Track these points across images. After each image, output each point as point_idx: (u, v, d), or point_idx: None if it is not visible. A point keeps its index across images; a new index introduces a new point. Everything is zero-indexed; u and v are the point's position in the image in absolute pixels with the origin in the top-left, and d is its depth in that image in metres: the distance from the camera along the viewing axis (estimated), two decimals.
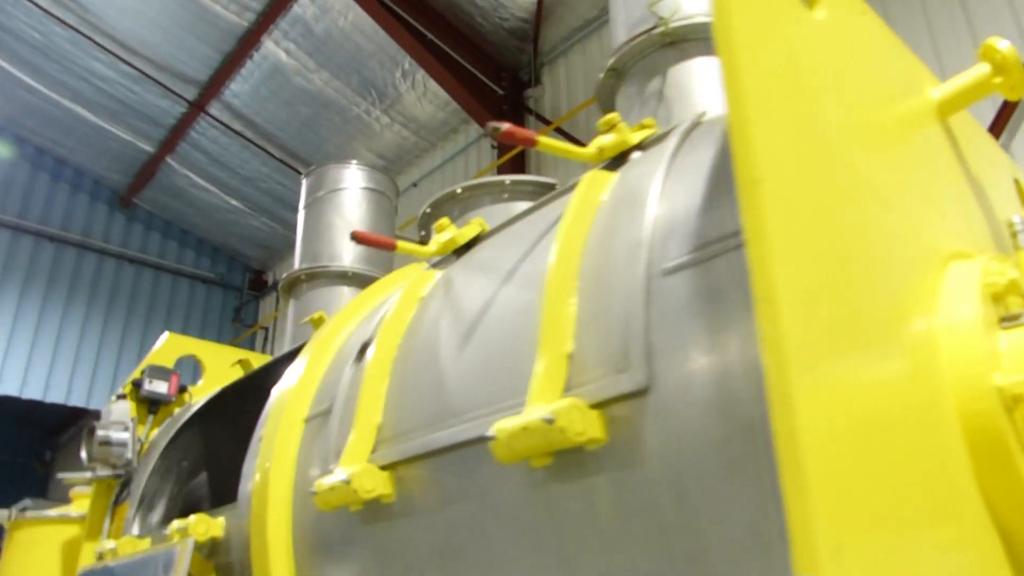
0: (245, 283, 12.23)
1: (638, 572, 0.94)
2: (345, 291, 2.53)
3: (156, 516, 2.21)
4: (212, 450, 2.45)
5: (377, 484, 1.25)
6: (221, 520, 1.69)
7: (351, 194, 2.63)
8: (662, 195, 1.10)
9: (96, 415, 2.32)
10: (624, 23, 1.66)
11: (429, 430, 1.23)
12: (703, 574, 0.89)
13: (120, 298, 10.84)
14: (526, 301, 1.20)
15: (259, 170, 9.76)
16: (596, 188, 1.23)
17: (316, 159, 8.09)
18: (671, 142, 1.20)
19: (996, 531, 0.87)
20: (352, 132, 8.60)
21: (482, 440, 1.07)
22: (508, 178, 2.04)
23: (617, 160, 1.32)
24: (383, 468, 1.26)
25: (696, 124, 1.26)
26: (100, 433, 2.26)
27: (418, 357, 1.35)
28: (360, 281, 2.54)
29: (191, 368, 2.86)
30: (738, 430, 0.87)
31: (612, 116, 1.32)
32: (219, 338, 11.84)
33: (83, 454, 2.32)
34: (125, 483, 2.32)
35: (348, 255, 2.56)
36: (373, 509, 1.29)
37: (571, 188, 1.43)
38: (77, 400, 10.08)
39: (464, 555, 1.13)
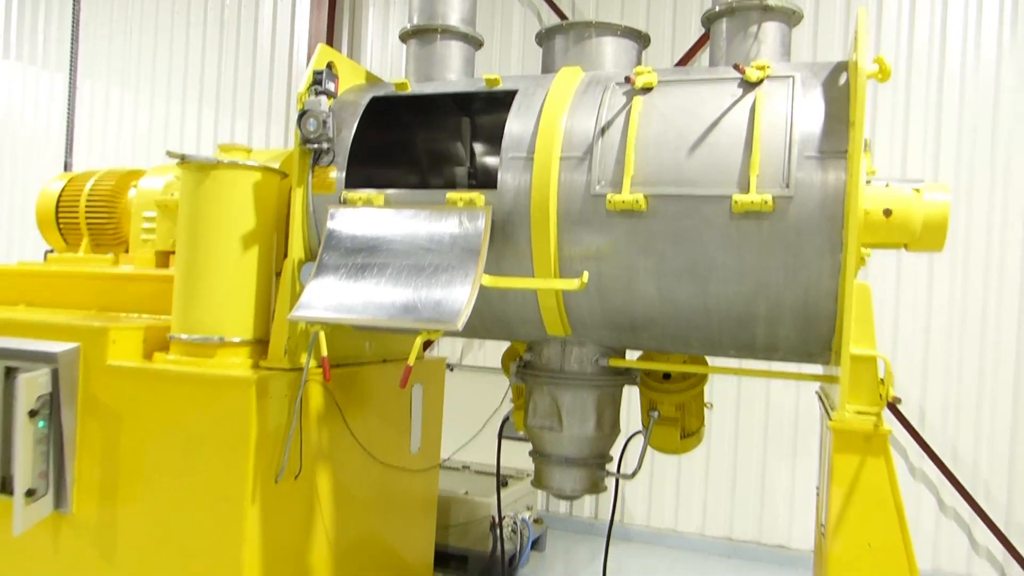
0: None
1: (776, 256, 2.81)
2: (454, 45, 3.70)
3: (358, 180, 3.42)
4: (382, 137, 3.61)
5: (641, 201, 2.89)
6: (483, 197, 3.11)
7: None
8: (798, 114, 2.83)
9: None
10: None
11: (673, 185, 2.89)
12: (798, 260, 2.79)
13: None
14: (728, 139, 2.87)
15: None
16: (760, 96, 2.89)
17: None
18: (794, 85, 2.89)
19: None
20: None
21: (722, 199, 2.80)
22: (621, 25, 3.47)
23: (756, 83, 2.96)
24: (644, 196, 2.90)
25: (796, 76, 2.95)
26: (320, 119, 3.31)
27: (658, 146, 2.94)
28: (472, 41, 3.73)
29: None
30: (828, 215, 2.74)
31: (766, 63, 2.94)
32: None
33: (300, 131, 3.35)
34: (316, 152, 3.43)
35: (454, 18, 3.70)
36: (627, 213, 2.94)
37: (721, 78, 3.04)
38: None
39: (689, 237, 2.88)
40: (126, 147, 9.12)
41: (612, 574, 5.86)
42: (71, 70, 9.42)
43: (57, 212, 4.83)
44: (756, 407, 6.49)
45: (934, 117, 6.08)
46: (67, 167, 9.42)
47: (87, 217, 4.72)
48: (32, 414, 3.31)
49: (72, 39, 9.41)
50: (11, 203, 9.81)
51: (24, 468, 3.32)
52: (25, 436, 3.30)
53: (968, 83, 6.02)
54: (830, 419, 2.75)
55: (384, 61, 7.99)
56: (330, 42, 7.82)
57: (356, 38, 8.23)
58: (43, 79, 9.68)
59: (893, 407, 6.02)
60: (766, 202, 2.75)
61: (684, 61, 6.63)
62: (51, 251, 5.32)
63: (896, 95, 6.16)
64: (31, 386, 3.30)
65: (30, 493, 3.35)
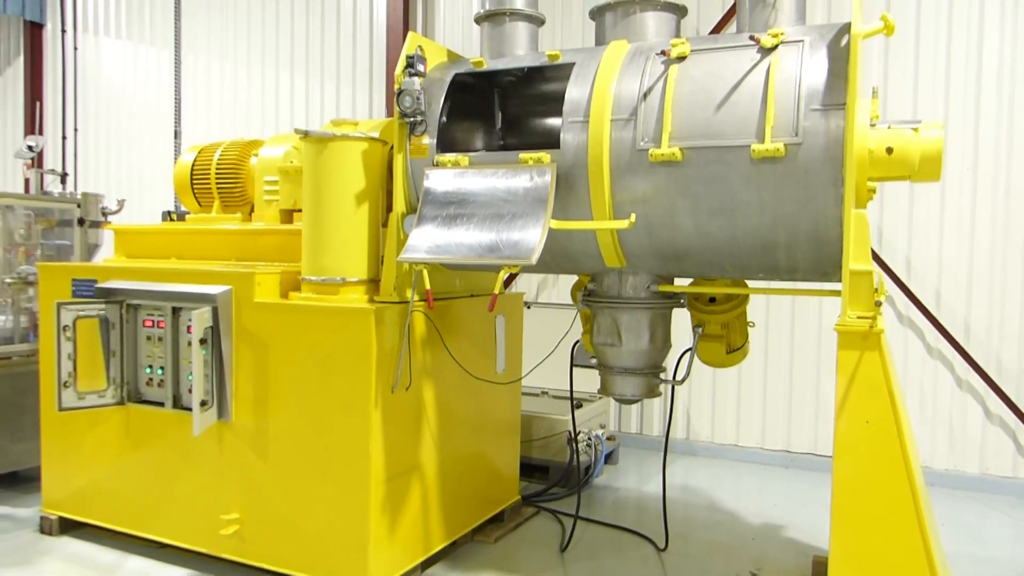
0: None
1: (789, 192, 3.43)
2: (520, 25, 4.35)
3: (447, 146, 4.15)
4: (464, 108, 4.33)
5: (677, 153, 3.53)
6: (548, 155, 3.79)
7: None
8: (805, 73, 3.40)
9: None
10: None
11: (703, 139, 3.51)
12: (807, 195, 3.40)
13: None
14: (747, 98, 3.47)
15: None
16: (774, 60, 3.47)
17: None
18: (803, 48, 3.46)
19: None
20: None
21: (743, 148, 3.42)
22: (661, 1, 4.05)
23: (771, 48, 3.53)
24: (680, 149, 3.54)
25: (806, 40, 3.50)
26: (414, 96, 4.04)
27: (691, 106, 3.56)
28: (535, 20, 4.37)
29: None
30: (831, 156, 3.33)
31: (780, 31, 3.51)
32: None
33: (399, 107, 4.08)
34: (412, 124, 4.16)
35: (520, 1, 4.34)
36: (666, 163, 3.58)
37: (744, 45, 3.61)
38: None
39: (718, 180, 3.52)
40: (228, 114, 10.08)
41: (681, 485, 6.65)
42: (175, 46, 10.39)
43: (192, 179, 5.73)
44: (809, 327, 7.06)
45: (976, 45, 6.39)
46: (177, 135, 10.47)
47: (217, 183, 5.61)
48: (202, 342, 4.22)
49: (175, 17, 10.35)
50: (129, 169, 10.95)
51: (198, 384, 4.24)
52: (197, 359, 4.22)
53: (1008, 8, 6.29)
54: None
55: (454, 24, 8.61)
56: (405, 11, 8.49)
57: (429, 4, 8.86)
58: (151, 56, 10.69)
59: (942, 328, 6.53)
60: (779, 149, 3.36)
61: (719, 28, 7.12)
62: (169, 212, 6.25)
63: (938, 31, 6.49)
64: (200, 320, 4.20)
65: (203, 404, 4.28)
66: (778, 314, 7.14)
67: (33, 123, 11.41)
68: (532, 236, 3.60)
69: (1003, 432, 6.51)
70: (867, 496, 3.25)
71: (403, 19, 8.42)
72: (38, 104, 11.27)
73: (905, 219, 6.68)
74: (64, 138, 11.35)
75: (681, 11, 4.16)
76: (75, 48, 11.29)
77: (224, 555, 4.54)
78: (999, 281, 6.44)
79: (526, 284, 8.18)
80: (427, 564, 4.65)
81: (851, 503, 3.27)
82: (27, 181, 11.06)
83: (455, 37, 8.57)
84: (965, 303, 6.56)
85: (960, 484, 6.56)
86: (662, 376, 4.42)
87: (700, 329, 4.35)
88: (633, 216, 3.65)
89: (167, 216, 6.40)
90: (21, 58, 11.79)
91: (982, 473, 6.55)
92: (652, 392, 4.35)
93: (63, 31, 11.35)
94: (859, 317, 3.29)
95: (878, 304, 3.19)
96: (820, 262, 3.63)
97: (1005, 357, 6.45)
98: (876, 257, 6.68)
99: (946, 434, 6.65)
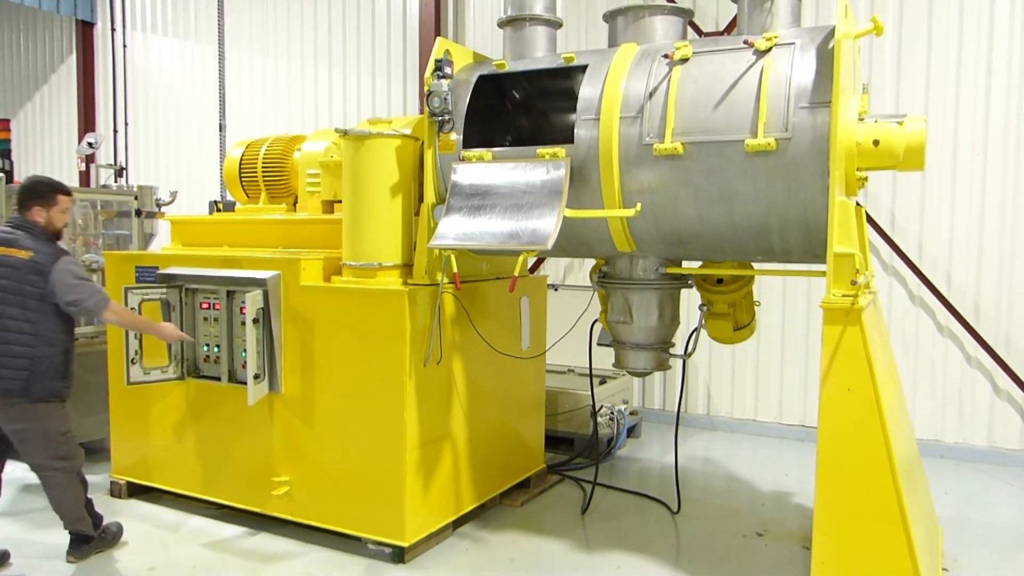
0: None
1: (781, 182, 3.78)
2: (539, 29, 4.73)
3: (472, 142, 4.56)
4: (488, 106, 4.73)
5: (679, 148, 3.90)
6: (563, 150, 4.18)
7: None
8: (795, 73, 3.74)
9: None
10: None
11: (703, 134, 3.87)
12: (796, 184, 3.75)
13: None
14: (743, 97, 3.82)
15: None
16: (768, 61, 3.81)
17: None
18: (794, 50, 3.79)
19: None
20: None
21: (738, 143, 3.77)
22: (668, 5, 4.39)
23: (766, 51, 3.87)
24: (682, 144, 3.90)
25: (797, 42, 3.83)
26: (442, 97, 4.45)
27: (692, 104, 3.92)
28: (553, 24, 4.75)
29: None
30: (818, 149, 3.67)
31: (774, 34, 3.84)
32: None
33: (428, 107, 4.49)
34: (440, 122, 4.57)
35: (539, 7, 4.71)
36: (669, 157, 3.95)
37: (744, 47, 3.96)
38: None
39: (716, 172, 3.88)
40: (269, 107, 10.57)
41: (702, 457, 7.03)
42: (219, 42, 10.90)
43: (240, 172, 6.21)
44: None
45: (986, 33, 6.61)
46: (221, 128, 11.00)
47: (264, 176, 6.08)
48: (254, 322, 4.70)
49: (218, 14, 10.86)
50: (177, 161, 11.54)
51: (251, 359, 4.72)
52: (251, 337, 4.70)
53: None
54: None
55: (484, 19, 8.98)
56: (437, 8, 8.88)
57: (460, 1, 9.24)
58: (196, 52, 11.23)
59: (952, 307, 6.79)
60: (770, 143, 3.71)
61: (729, 29, 7.42)
62: (215, 202, 6.71)
63: (950, 20, 6.71)
64: (253, 302, 4.68)
65: (256, 377, 4.76)
66: (794, 294, 7.45)
67: (87, 118, 12.04)
68: (548, 224, 3.99)
69: (1011, 407, 6.76)
70: (848, 454, 3.61)
71: (435, 16, 8.81)
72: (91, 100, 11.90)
73: (917, 204, 6.94)
74: (116, 132, 11.96)
75: (688, 14, 4.50)
76: (124, 45, 11.87)
77: (275, 514, 5.03)
78: (1007, 262, 6.68)
79: (553, 268, 8.58)
80: (458, 523, 5.10)
81: (834, 461, 3.64)
82: (81, 174, 11.69)
83: (485, 31, 8.94)
84: (975, 284, 6.81)
85: (969, 456, 6.84)
86: (671, 351, 4.80)
87: (706, 308, 4.72)
88: (639, 205, 4.03)
89: (214, 206, 6.87)
90: (73, 56, 12.41)
91: (990, 446, 6.83)
92: (662, 366, 4.73)
93: (113, 29, 11.93)
94: (843, 295, 3.64)
95: (853, 283, 3.54)
96: (811, 245, 3.98)
97: (1013, 335, 6.70)
98: (888, 240, 6.96)
99: (955, 409, 6.93)
